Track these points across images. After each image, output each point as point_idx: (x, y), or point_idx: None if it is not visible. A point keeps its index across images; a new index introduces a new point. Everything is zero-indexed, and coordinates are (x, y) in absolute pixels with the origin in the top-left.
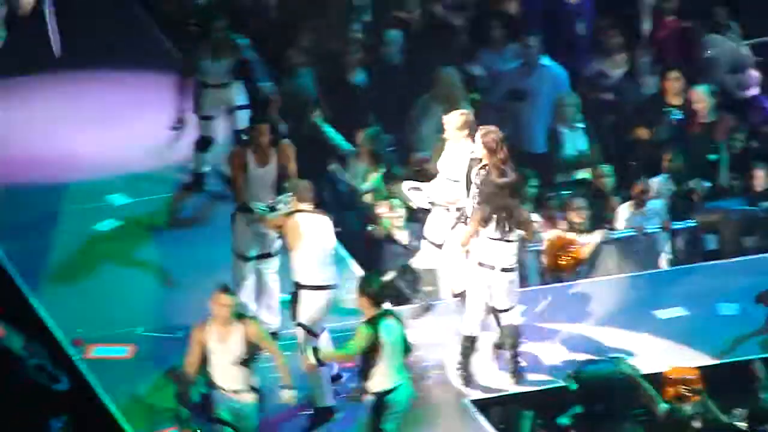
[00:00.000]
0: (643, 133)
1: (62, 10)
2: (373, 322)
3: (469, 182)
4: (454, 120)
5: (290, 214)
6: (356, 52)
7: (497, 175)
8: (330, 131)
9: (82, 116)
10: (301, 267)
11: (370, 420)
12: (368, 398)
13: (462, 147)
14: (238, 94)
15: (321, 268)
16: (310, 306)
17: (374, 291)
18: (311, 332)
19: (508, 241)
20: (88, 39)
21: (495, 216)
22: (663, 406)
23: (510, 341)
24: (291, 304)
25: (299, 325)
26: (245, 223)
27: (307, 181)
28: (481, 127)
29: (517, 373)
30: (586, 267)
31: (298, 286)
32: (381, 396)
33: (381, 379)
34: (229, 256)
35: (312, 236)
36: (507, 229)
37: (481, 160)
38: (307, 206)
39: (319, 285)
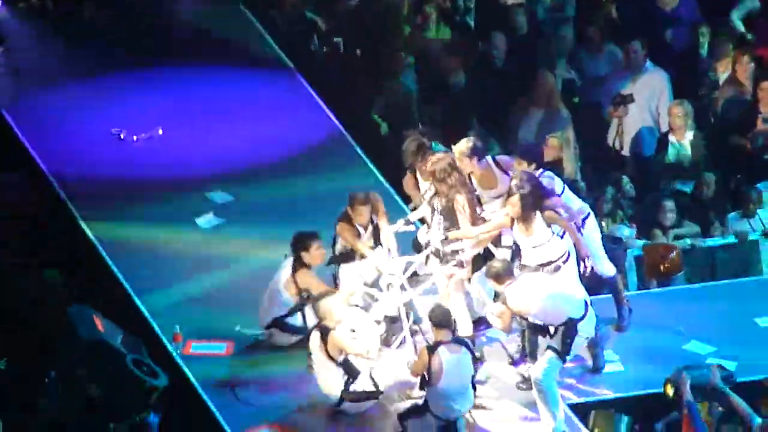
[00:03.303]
0: (740, 140)
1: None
2: None
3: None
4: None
5: None
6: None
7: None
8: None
9: (185, 111)
10: None
11: None
12: None
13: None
14: None
15: None
16: None
17: None
18: None
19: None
20: (197, 36)
21: None
22: (757, 421)
23: None
24: None
25: None
26: None
27: None
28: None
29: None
30: (684, 273)
31: None
32: None
33: None
34: None
35: None
36: None
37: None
38: None
39: None
